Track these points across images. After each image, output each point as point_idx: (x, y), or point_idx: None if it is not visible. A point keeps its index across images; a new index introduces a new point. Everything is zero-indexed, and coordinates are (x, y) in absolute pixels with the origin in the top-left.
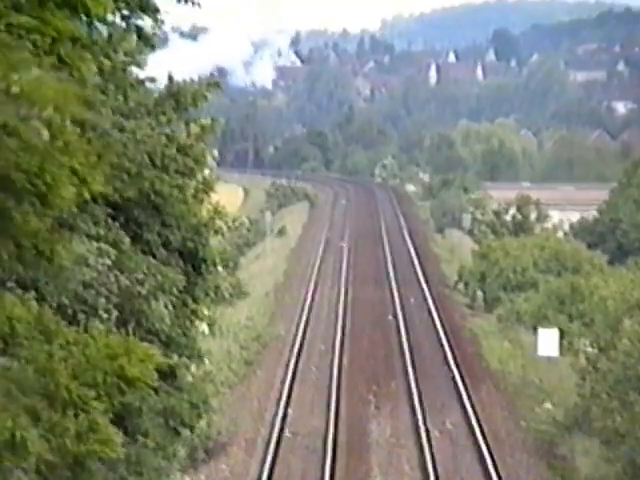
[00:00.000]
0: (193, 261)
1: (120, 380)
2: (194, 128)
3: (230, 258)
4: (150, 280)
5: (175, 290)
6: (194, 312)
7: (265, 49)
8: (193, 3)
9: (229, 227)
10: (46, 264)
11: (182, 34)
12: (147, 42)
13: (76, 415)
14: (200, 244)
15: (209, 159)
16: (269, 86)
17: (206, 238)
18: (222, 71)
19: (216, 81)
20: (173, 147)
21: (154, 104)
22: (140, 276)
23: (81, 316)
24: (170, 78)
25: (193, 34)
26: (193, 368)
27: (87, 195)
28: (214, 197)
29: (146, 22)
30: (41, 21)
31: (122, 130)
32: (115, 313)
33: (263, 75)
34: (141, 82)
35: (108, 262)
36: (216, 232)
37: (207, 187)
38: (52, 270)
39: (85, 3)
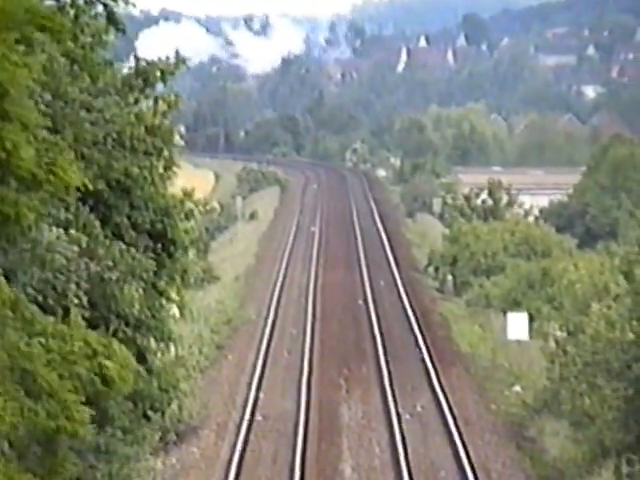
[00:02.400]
0: (163, 243)
1: (98, 377)
2: (161, 105)
3: (199, 239)
4: (120, 266)
5: (145, 275)
6: (163, 294)
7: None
8: None
9: (200, 211)
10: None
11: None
12: (117, 25)
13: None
14: (169, 225)
15: (177, 137)
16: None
17: (175, 220)
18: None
19: (183, 59)
20: (141, 126)
21: (121, 83)
22: (110, 263)
23: (51, 301)
24: (136, 57)
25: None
26: (162, 352)
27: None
28: (184, 180)
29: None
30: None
31: (90, 110)
32: (85, 298)
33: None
34: (109, 63)
35: (77, 249)
36: (187, 216)
37: (171, 164)
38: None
39: None
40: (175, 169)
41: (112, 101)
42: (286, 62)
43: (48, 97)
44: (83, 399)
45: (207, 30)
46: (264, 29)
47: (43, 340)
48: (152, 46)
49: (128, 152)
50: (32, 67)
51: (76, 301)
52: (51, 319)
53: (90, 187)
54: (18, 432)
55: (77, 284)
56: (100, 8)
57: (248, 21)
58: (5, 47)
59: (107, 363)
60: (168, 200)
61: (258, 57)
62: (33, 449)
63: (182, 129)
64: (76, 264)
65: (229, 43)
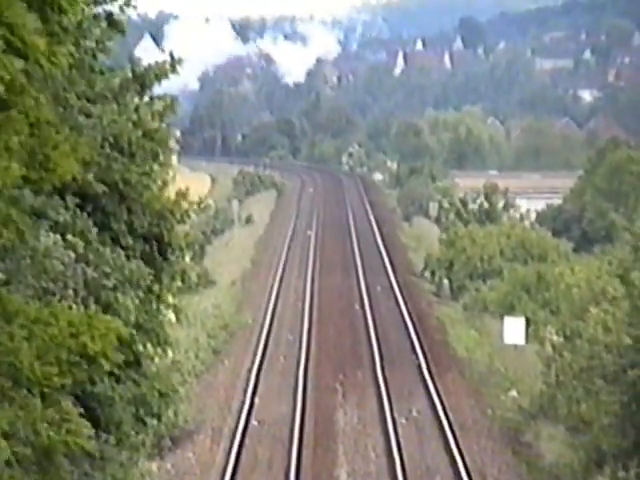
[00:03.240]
0: (159, 246)
1: (82, 358)
2: (157, 104)
3: (195, 240)
4: (117, 272)
5: (142, 282)
6: (159, 297)
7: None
8: None
9: (195, 210)
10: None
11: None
12: (116, 27)
13: (42, 394)
14: (165, 229)
15: (172, 142)
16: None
17: (171, 223)
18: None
19: (179, 60)
20: (139, 131)
21: (119, 88)
22: (107, 269)
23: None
24: (131, 61)
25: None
26: (158, 357)
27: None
28: (180, 184)
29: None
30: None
31: (89, 115)
32: (82, 306)
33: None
34: (110, 69)
35: (74, 255)
36: (182, 216)
37: (167, 168)
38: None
39: (60, 4)
40: (171, 173)
41: (109, 107)
42: (321, 65)
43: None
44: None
45: (237, 34)
46: (295, 33)
47: (27, 330)
48: (176, 40)
49: (126, 158)
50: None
51: (74, 306)
52: (35, 306)
53: (83, 185)
54: (18, 441)
55: (74, 290)
56: (99, 10)
57: (275, 24)
58: None
59: (88, 342)
60: (164, 203)
61: (294, 62)
62: (29, 456)
63: (177, 133)
64: (72, 270)
65: (260, 49)
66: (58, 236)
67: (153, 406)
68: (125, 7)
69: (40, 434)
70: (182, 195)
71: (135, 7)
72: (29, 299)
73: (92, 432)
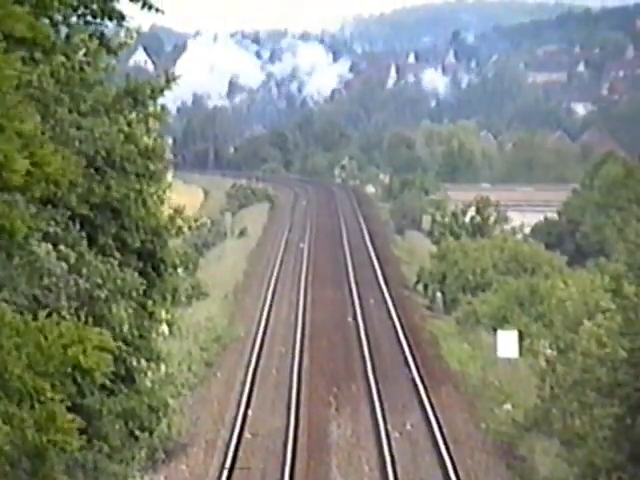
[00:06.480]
0: (152, 262)
1: (75, 371)
2: (152, 123)
3: (190, 259)
4: (109, 283)
5: (135, 294)
6: (152, 314)
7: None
8: (157, 10)
9: (190, 227)
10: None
11: None
12: (109, 48)
13: (32, 406)
14: (159, 245)
15: (167, 153)
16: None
17: (165, 239)
18: None
19: (174, 77)
20: (131, 145)
21: (112, 102)
22: (99, 280)
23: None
24: (127, 76)
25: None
26: (151, 372)
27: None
28: (173, 197)
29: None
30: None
31: (79, 128)
32: (75, 316)
33: None
34: (99, 82)
35: (66, 266)
36: (177, 233)
37: (165, 187)
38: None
39: None
40: (167, 191)
41: (101, 121)
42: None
43: (37, 118)
44: (68, 404)
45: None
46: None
47: (16, 339)
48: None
49: (118, 173)
50: (12, 63)
51: (68, 317)
52: (20, 321)
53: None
54: (9, 445)
55: (68, 302)
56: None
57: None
58: None
59: (81, 355)
60: (159, 220)
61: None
62: (23, 465)
63: (170, 141)
64: (65, 281)
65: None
66: (50, 246)
67: (144, 420)
68: (126, 32)
69: (27, 436)
70: (178, 212)
71: (129, 29)
72: (23, 309)
73: (79, 429)
